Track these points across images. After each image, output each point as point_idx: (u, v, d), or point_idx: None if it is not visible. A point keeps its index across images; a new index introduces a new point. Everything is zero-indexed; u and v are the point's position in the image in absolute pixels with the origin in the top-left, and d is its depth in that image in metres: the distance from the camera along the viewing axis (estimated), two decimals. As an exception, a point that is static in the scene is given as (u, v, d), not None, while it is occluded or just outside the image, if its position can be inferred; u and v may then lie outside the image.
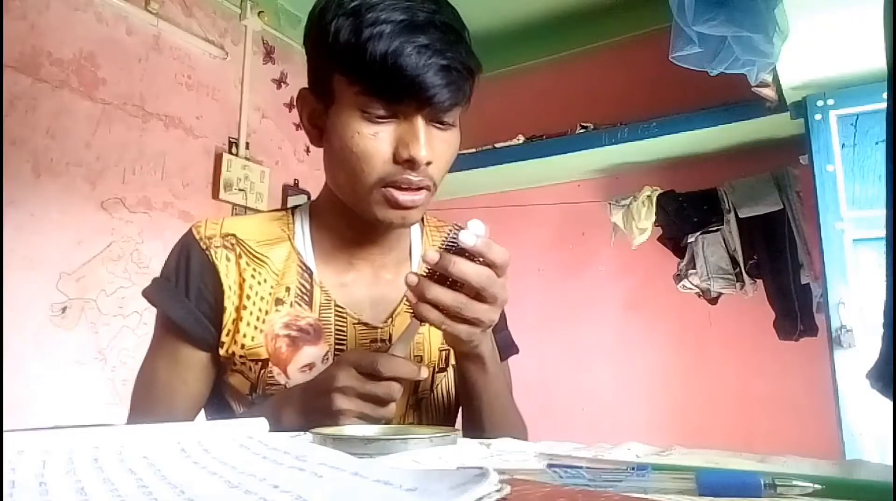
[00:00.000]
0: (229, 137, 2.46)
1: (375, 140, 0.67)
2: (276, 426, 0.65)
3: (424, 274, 0.63)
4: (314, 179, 2.75)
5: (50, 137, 1.90)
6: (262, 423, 0.49)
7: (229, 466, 0.35)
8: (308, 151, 2.76)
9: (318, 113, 0.74)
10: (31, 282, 1.83)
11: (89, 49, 2.03)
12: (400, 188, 0.69)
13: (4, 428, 0.42)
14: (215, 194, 2.35)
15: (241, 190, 2.42)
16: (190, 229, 0.79)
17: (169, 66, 2.28)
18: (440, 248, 0.62)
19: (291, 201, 2.62)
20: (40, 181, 1.87)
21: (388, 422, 0.66)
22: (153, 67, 2.22)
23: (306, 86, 0.76)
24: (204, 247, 0.77)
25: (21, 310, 1.79)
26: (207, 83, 2.40)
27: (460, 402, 0.83)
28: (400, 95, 0.66)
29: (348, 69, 0.66)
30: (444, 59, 0.65)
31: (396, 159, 0.68)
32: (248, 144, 2.51)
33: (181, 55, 2.32)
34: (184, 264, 0.77)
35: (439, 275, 0.61)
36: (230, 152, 2.43)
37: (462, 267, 0.60)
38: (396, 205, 0.70)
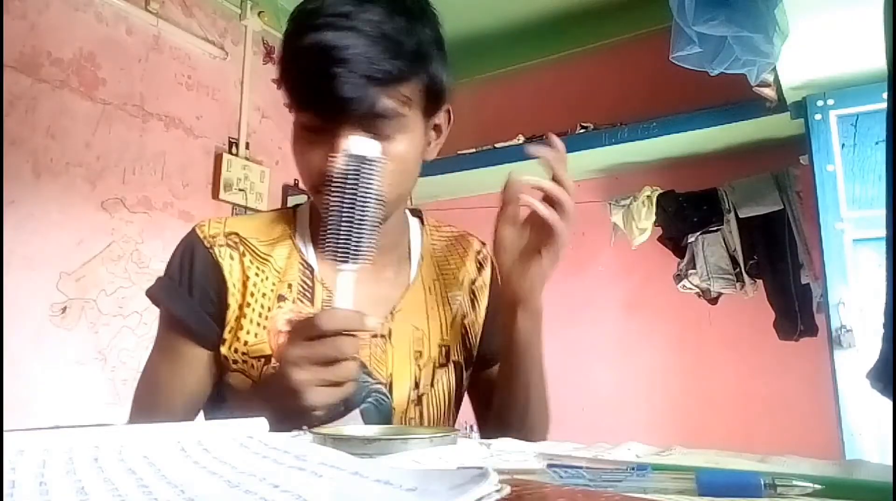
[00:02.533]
0: (229, 137, 2.46)
1: (311, 152, 0.72)
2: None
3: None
4: (314, 179, 2.74)
5: (50, 137, 1.90)
6: (261, 423, 0.49)
7: (229, 466, 0.35)
8: (308, 151, 2.75)
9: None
10: (31, 282, 1.83)
11: (89, 49, 2.03)
12: None
13: (4, 428, 0.42)
14: (215, 194, 2.35)
15: (241, 190, 2.43)
16: (193, 229, 0.80)
17: (169, 66, 2.28)
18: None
19: (291, 201, 2.62)
20: (40, 181, 1.87)
21: (344, 409, 0.65)
22: (153, 67, 2.22)
23: None
24: (208, 245, 0.78)
25: (21, 310, 1.79)
26: (207, 83, 2.40)
27: (503, 380, 0.82)
28: (321, 110, 0.69)
29: (284, 86, 0.71)
30: (348, 68, 0.64)
31: None
32: (248, 144, 2.51)
33: (181, 55, 2.32)
34: (187, 263, 0.77)
35: None
36: (230, 152, 2.43)
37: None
38: None
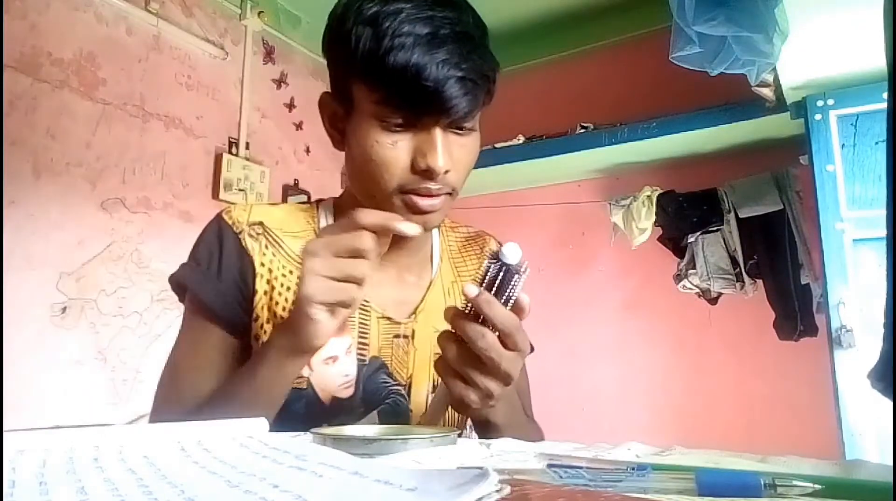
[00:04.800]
0: (229, 137, 2.46)
1: (394, 149, 0.67)
2: (265, 365, 0.66)
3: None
4: (314, 179, 2.75)
5: (50, 137, 1.90)
6: (261, 423, 0.49)
7: (229, 466, 0.35)
8: (308, 151, 2.75)
9: (338, 117, 0.74)
10: (31, 282, 1.83)
11: (89, 49, 2.03)
12: (419, 195, 0.69)
13: (4, 428, 0.42)
14: (215, 194, 2.35)
15: (241, 190, 2.42)
16: (219, 215, 0.79)
17: (169, 66, 2.28)
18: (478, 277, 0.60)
19: (291, 201, 2.62)
20: (40, 181, 1.87)
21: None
22: (153, 67, 2.22)
23: (328, 90, 0.76)
24: (237, 231, 0.77)
25: (21, 310, 1.79)
26: (207, 83, 2.40)
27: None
28: (419, 107, 0.65)
29: (368, 78, 0.66)
30: (461, 72, 0.64)
31: (414, 169, 0.68)
32: (248, 144, 2.51)
33: (181, 55, 2.32)
34: (216, 249, 0.76)
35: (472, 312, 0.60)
36: (230, 152, 2.43)
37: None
38: (417, 210, 0.69)
